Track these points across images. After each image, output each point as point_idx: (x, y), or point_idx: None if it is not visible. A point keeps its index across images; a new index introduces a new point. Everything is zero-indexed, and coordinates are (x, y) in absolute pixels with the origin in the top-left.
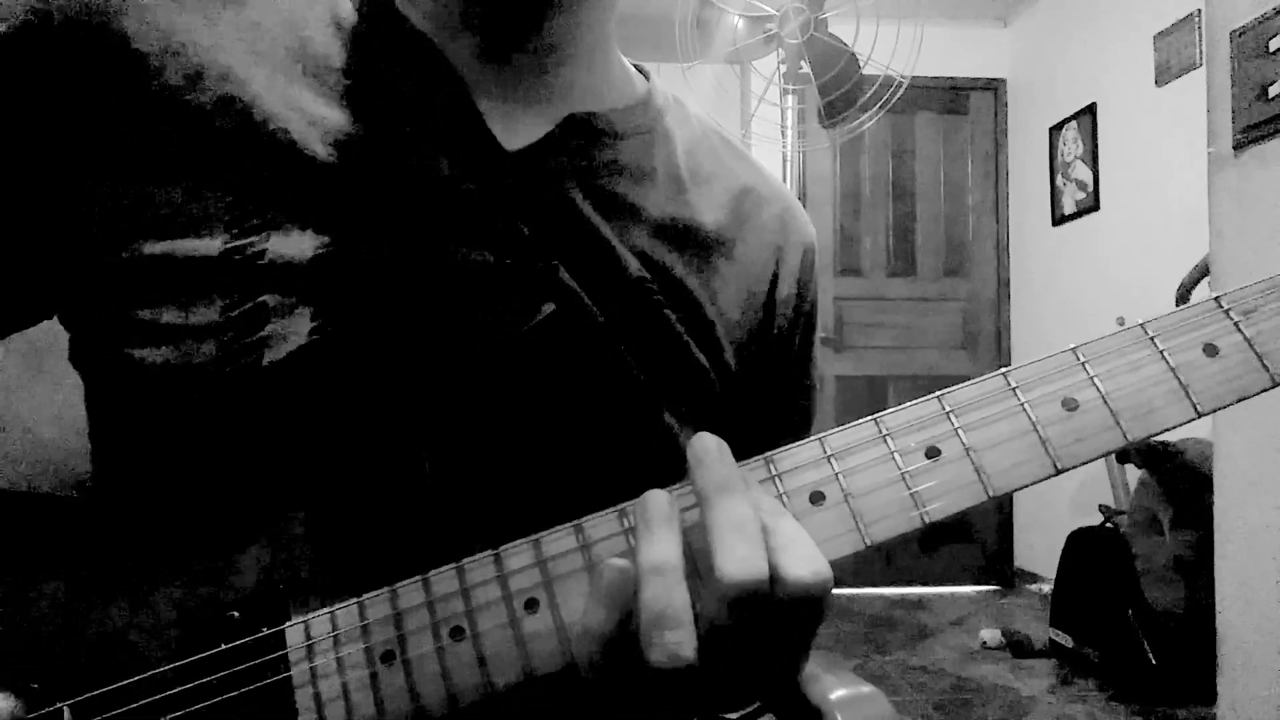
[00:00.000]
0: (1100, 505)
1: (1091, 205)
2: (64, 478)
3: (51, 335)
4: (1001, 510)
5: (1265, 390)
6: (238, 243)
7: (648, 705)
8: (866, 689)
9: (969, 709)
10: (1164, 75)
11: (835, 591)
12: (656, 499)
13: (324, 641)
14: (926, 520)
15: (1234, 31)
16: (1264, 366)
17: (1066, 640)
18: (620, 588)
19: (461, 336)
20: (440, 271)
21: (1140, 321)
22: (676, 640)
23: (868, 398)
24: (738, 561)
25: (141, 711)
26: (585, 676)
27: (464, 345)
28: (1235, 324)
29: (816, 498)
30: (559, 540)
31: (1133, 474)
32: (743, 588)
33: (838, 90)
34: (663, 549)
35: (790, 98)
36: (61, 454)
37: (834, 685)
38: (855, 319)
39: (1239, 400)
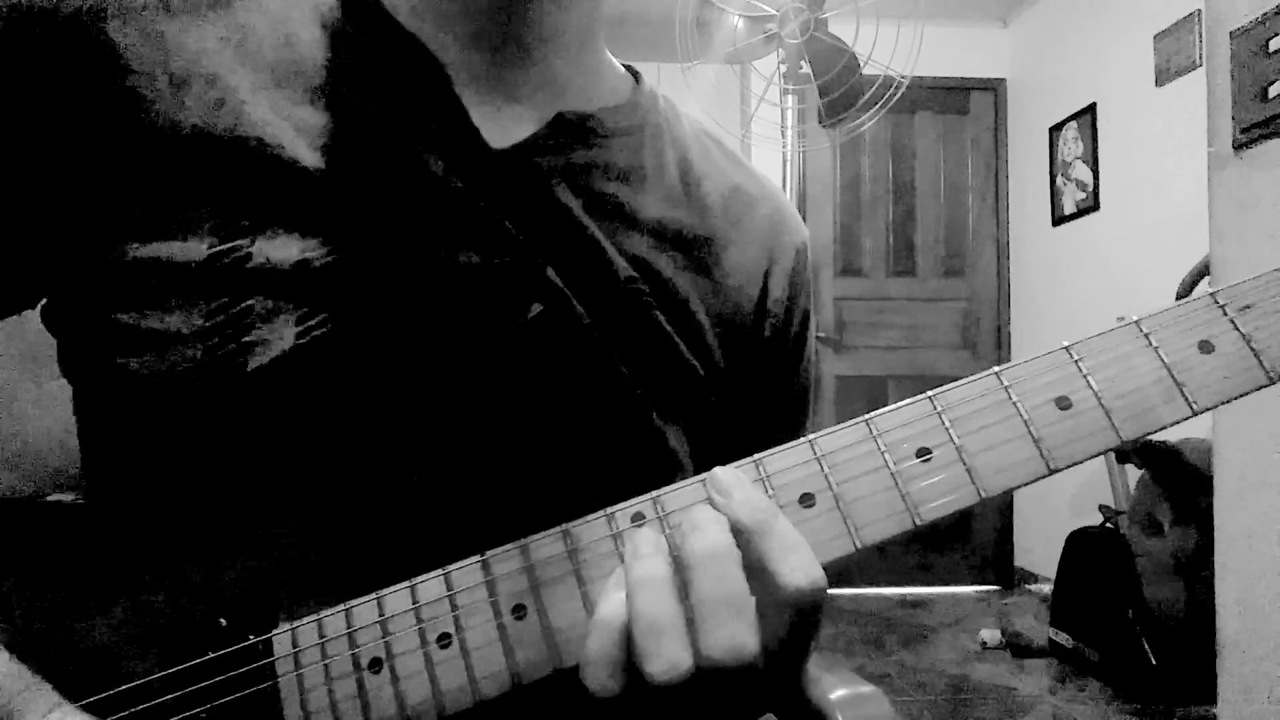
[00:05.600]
0: (1100, 505)
1: (1091, 205)
2: (60, 483)
3: (50, 341)
4: (1001, 511)
5: (1262, 388)
6: (223, 246)
7: (645, 714)
8: (867, 689)
9: (969, 709)
10: (1164, 75)
11: (836, 591)
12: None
13: (311, 649)
14: (918, 522)
15: (1234, 31)
16: (1261, 364)
17: (1066, 640)
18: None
19: (448, 337)
20: (425, 272)
21: (1135, 318)
22: (669, 650)
23: (868, 398)
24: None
25: None
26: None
27: (450, 346)
28: (1231, 320)
29: (806, 500)
30: (546, 545)
31: (1133, 474)
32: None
33: (838, 90)
34: (646, 564)
35: (790, 98)
36: (57, 459)
37: (834, 685)
38: (855, 319)
39: (1235, 398)
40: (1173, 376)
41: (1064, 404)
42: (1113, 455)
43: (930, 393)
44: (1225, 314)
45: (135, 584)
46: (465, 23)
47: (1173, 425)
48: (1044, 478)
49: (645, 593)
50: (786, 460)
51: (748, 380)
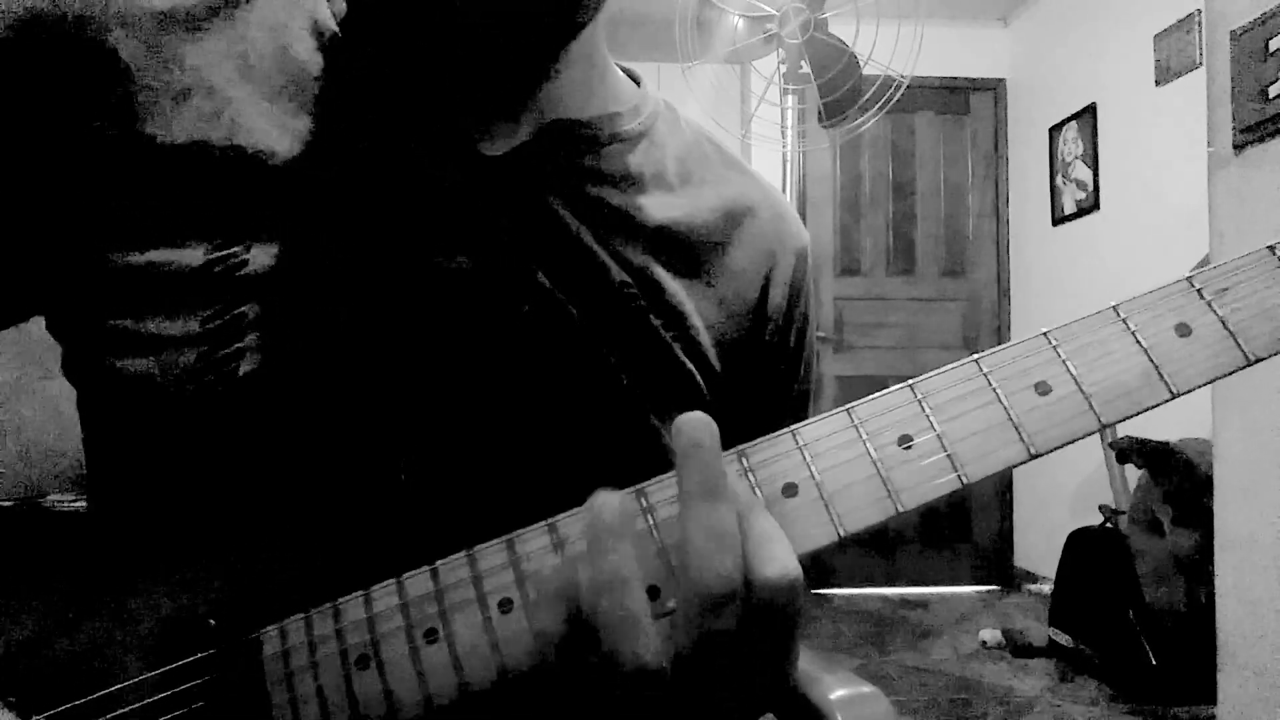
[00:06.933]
0: (1100, 505)
1: (1091, 205)
2: (64, 483)
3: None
4: (1001, 510)
5: (1239, 369)
6: (218, 254)
7: (627, 712)
8: (866, 689)
9: (969, 709)
10: (1164, 75)
11: (836, 591)
12: (607, 507)
13: (299, 647)
14: (900, 509)
15: (1234, 31)
16: (1238, 345)
17: (1066, 640)
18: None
19: (438, 340)
20: (416, 277)
21: (1113, 304)
22: (641, 648)
23: None
24: (713, 572)
25: None
26: (551, 677)
27: (440, 349)
28: (1208, 303)
29: (789, 489)
30: (532, 540)
31: (1133, 474)
32: (715, 598)
33: (838, 90)
34: (612, 562)
35: (790, 98)
36: (62, 461)
37: (834, 685)
38: (855, 319)
39: (1214, 379)
40: (1151, 359)
41: (1043, 389)
42: (1113, 455)
43: (911, 381)
44: (1201, 297)
45: (127, 585)
46: (470, 57)
47: (1153, 408)
48: (1026, 462)
49: (606, 598)
50: (769, 451)
51: (747, 385)
